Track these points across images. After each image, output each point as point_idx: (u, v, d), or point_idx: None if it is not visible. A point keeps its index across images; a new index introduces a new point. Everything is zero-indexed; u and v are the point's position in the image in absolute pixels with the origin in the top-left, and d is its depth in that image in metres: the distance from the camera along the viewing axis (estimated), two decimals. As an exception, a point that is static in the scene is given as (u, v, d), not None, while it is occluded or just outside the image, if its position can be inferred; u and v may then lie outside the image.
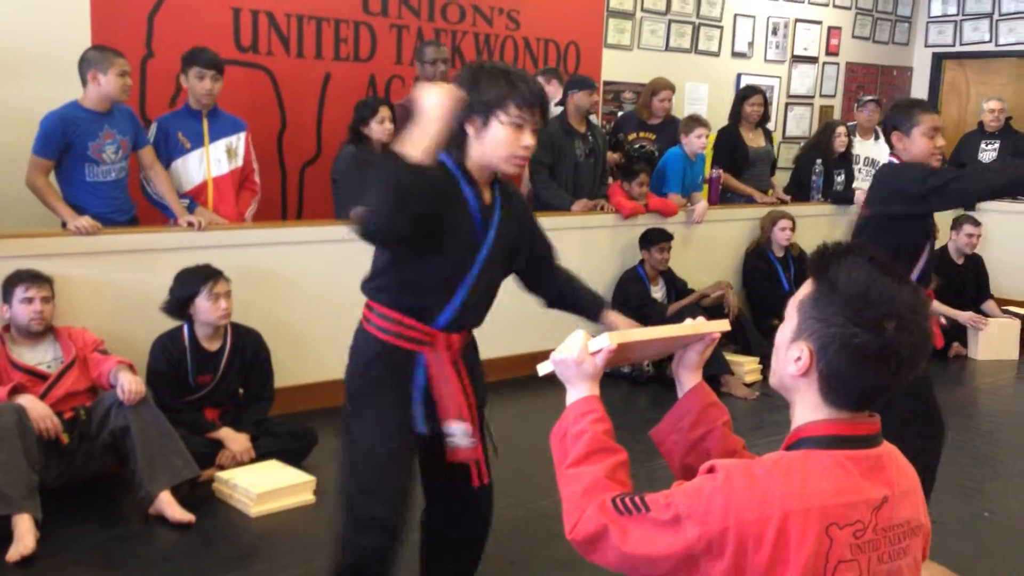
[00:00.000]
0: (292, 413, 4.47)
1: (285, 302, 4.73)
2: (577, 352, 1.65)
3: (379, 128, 4.96)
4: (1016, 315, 6.88)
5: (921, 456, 3.51)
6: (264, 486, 3.71)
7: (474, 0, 6.40)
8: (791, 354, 1.44)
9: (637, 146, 6.52)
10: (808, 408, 1.45)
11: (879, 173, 3.62)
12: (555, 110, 5.89)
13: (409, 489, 2.50)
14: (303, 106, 5.71)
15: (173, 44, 5.13)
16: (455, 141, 2.31)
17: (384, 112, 5.00)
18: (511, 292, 5.96)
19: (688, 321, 1.76)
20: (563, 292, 2.71)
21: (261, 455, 3.98)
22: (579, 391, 1.66)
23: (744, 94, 6.83)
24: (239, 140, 4.88)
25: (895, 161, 3.47)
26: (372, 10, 5.99)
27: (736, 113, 6.82)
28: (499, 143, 2.26)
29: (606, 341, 1.64)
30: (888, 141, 3.56)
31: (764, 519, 1.32)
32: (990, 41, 9.16)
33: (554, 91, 5.88)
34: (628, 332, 1.70)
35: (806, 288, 1.46)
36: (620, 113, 7.24)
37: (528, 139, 2.27)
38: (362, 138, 4.99)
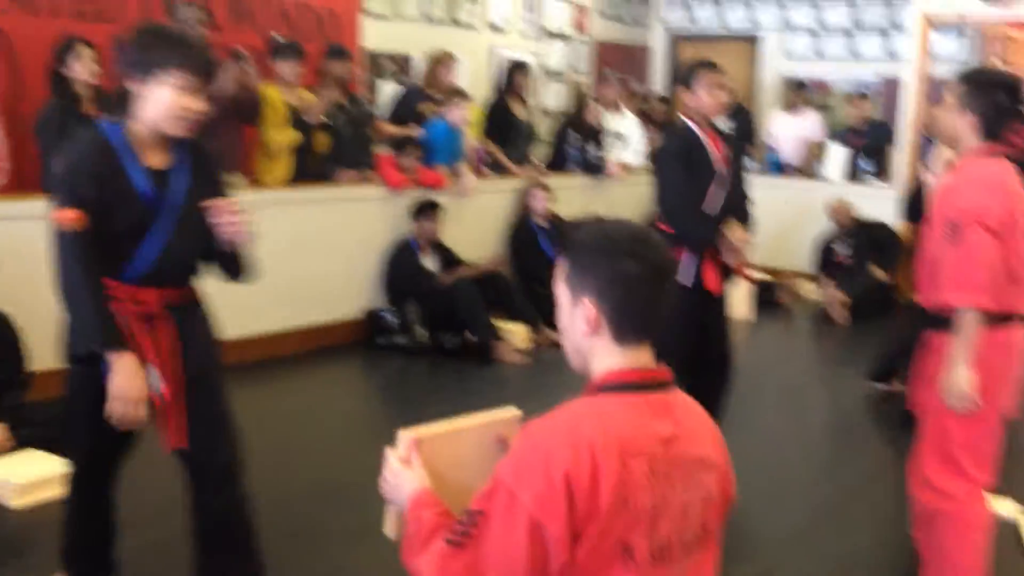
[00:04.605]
0: (53, 399, 4.14)
1: (38, 282, 4.35)
2: (393, 479, 1.68)
3: (81, 66, 4.67)
4: (752, 279, 7.52)
5: (711, 394, 3.83)
6: (25, 476, 3.49)
7: (228, -38, 6.12)
8: (577, 317, 1.56)
9: None
10: (605, 359, 1.56)
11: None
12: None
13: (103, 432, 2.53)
14: (38, 69, 5.23)
15: None
16: (122, 101, 2.39)
17: (82, 49, 4.71)
18: (277, 268, 5.80)
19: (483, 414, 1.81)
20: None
21: (20, 444, 3.73)
22: (407, 501, 1.66)
23: (514, 68, 7.01)
24: None
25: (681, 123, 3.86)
26: (118, -34, 5.58)
27: (505, 86, 6.99)
28: (163, 104, 2.33)
29: (406, 441, 1.68)
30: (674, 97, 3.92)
31: (580, 460, 1.43)
32: (718, 24, 9.89)
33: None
34: (424, 428, 1.72)
35: (562, 265, 1.59)
36: (403, 87, 7.14)
37: (191, 102, 2.35)
38: (65, 85, 4.69)
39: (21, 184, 5.23)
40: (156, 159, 2.43)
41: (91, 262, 2.35)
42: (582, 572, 1.44)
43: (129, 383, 2.35)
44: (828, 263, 7.61)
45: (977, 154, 2.90)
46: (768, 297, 7.45)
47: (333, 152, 5.86)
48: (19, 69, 5.22)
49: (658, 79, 10.08)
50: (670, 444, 1.51)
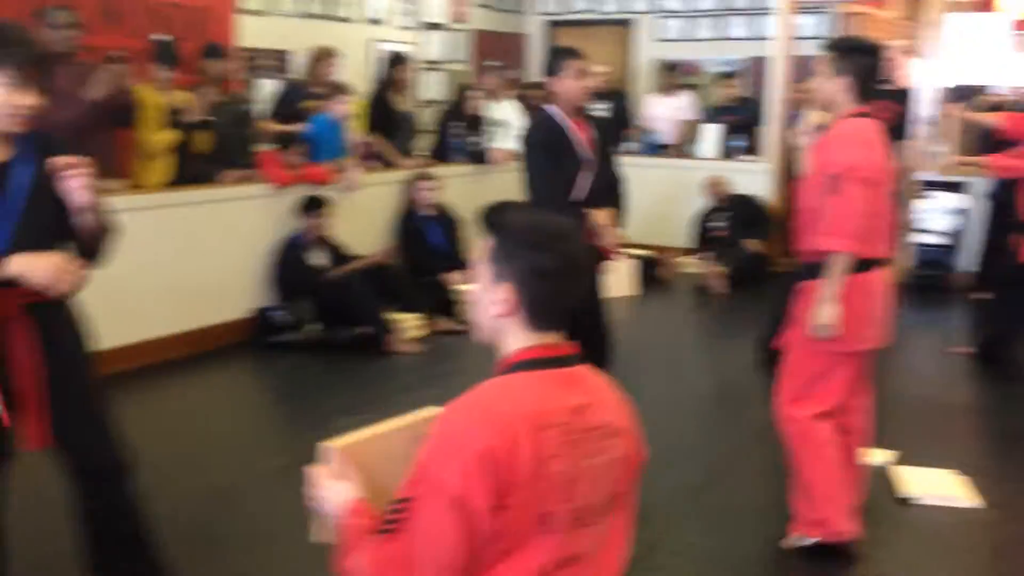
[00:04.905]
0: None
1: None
2: (321, 492, 1.72)
3: None
4: (636, 256, 7.78)
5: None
6: None
7: (93, -39, 5.99)
8: (493, 299, 1.64)
9: None
10: (517, 340, 1.66)
11: None
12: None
13: None
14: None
15: None
16: None
17: None
18: (160, 272, 5.75)
19: (412, 415, 1.86)
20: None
21: None
22: (339, 512, 1.70)
23: (394, 61, 7.07)
24: None
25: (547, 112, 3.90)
26: (-23, -31, 5.41)
27: (386, 79, 7.04)
28: None
29: (331, 453, 1.72)
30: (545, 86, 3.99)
31: (497, 435, 1.51)
32: (592, 10, 10.12)
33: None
34: (347, 437, 1.75)
35: (485, 244, 1.67)
36: (284, 84, 7.10)
37: (27, 98, 2.34)
38: None
39: None
40: None
41: None
42: (504, 542, 1.52)
43: (32, 263, 2.32)
44: (705, 237, 7.93)
45: (850, 115, 3.20)
46: (650, 273, 7.72)
47: (214, 152, 5.82)
48: None
49: (535, 66, 10.25)
50: (580, 413, 1.60)
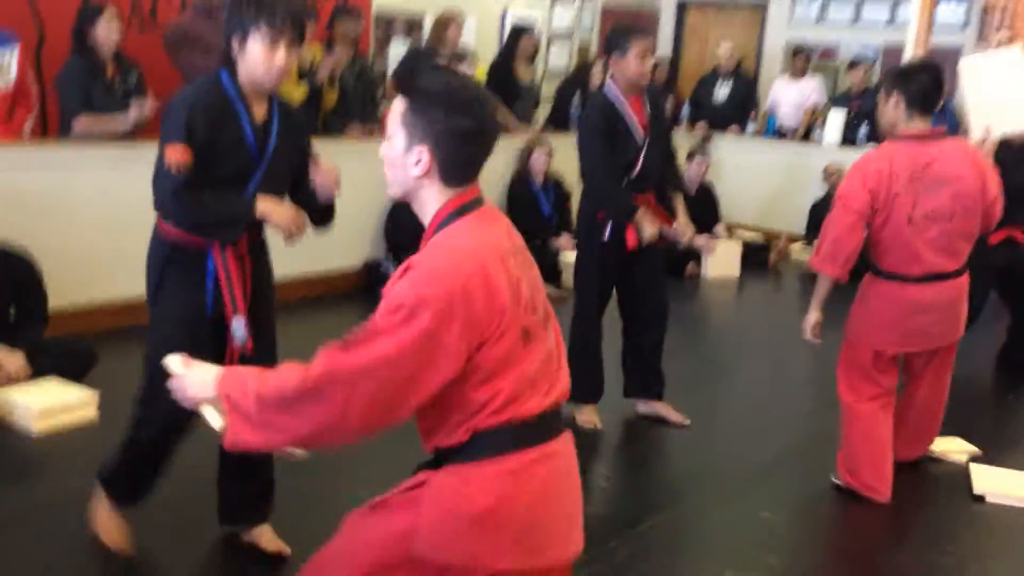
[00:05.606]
0: (72, 335, 4.44)
1: (60, 223, 4.65)
2: (184, 381, 1.82)
3: (104, 33, 4.85)
4: (744, 239, 7.75)
5: (644, 346, 4.15)
6: (45, 403, 3.70)
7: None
8: (410, 160, 1.73)
9: None
10: (435, 196, 1.76)
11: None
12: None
13: None
14: (63, 18, 5.43)
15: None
16: (227, 57, 2.53)
17: (106, 16, 4.87)
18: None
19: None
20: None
21: (39, 374, 3.92)
22: (213, 388, 1.77)
23: (519, 31, 7.21)
24: (11, 56, 4.68)
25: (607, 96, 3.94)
26: (138, -80, 5.75)
27: (510, 48, 7.19)
28: (257, 60, 2.48)
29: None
30: (606, 64, 4.10)
31: (472, 271, 1.66)
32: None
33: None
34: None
35: (401, 105, 1.74)
36: (411, 47, 7.34)
37: (282, 55, 2.49)
38: (88, 48, 4.87)
39: (44, 132, 5.50)
40: (258, 112, 2.59)
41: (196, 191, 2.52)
42: (496, 367, 1.69)
43: (277, 208, 2.60)
44: (817, 225, 7.77)
45: (895, 139, 3.41)
46: (760, 257, 7.66)
47: (340, 108, 6.08)
48: (42, 16, 5.42)
49: (664, 45, 10.21)
50: (510, 237, 1.81)
